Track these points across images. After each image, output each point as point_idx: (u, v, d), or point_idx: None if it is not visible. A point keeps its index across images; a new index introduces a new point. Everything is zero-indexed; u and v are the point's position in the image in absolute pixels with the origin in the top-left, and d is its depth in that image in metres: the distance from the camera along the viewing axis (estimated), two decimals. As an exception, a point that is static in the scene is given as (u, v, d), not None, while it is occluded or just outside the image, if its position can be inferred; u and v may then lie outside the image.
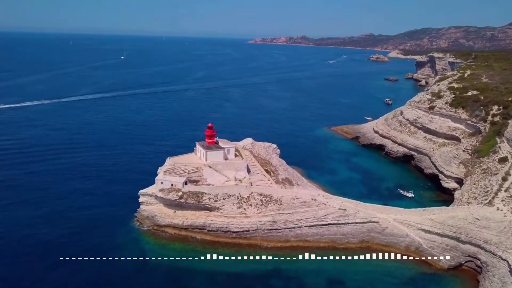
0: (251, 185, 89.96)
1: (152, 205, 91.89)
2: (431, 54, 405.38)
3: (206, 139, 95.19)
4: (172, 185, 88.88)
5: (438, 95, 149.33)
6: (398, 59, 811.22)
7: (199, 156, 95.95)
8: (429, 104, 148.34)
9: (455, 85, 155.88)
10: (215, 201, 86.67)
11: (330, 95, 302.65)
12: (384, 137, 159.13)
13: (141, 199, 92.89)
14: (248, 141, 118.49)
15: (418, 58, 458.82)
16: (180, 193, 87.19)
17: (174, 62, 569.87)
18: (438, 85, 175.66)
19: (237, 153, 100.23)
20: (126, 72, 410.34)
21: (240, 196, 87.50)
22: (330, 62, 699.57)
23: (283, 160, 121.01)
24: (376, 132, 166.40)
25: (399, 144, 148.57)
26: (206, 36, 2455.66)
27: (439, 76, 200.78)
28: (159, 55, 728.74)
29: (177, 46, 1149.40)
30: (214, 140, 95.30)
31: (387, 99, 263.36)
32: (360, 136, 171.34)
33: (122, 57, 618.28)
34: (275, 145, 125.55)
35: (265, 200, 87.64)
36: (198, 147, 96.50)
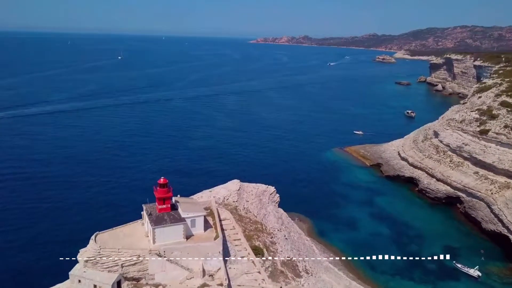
0: (230, 287, 53.35)
1: (67, 314, 55.50)
2: (448, 55, 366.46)
3: (156, 203, 58.50)
4: (95, 286, 52.43)
5: (490, 114, 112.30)
6: (405, 60, 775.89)
7: (146, 230, 59.32)
8: (478, 126, 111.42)
9: (509, 100, 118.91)
10: (165, 320, 50.14)
11: (338, 104, 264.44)
12: (415, 167, 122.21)
13: (49, 303, 56.50)
14: (233, 186, 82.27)
15: (433, 59, 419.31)
16: (106, 304, 50.70)
17: (170, 63, 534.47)
18: (480, 97, 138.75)
19: (210, 218, 63.66)
20: (116, 75, 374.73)
21: (209, 310, 50.96)
22: (331, 64, 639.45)
23: (283, 211, 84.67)
24: (403, 159, 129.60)
25: (439, 180, 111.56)
26: (207, 36, 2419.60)
27: (478, 85, 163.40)
28: (157, 56, 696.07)
29: (176, 46, 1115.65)
30: (169, 205, 58.45)
31: (409, 111, 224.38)
32: (383, 163, 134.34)
33: (120, 57, 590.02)
34: (272, 189, 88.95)
35: (251, 317, 51.07)
36: (144, 215, 59.82)
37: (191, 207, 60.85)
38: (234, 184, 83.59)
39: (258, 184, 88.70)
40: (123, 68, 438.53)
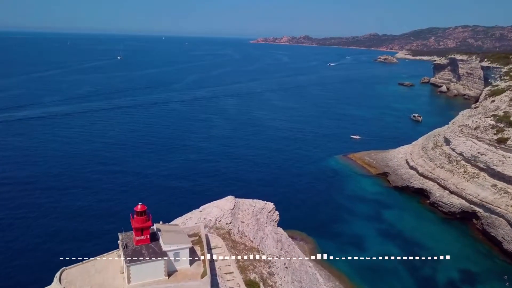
0: (218, 336, 44.76)
1: None
2: (452, 55, 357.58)
3: (134, 234, 49.83)
4: (58, 335, 43.78)
5: (508, 121, 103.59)
6: (407, 60, 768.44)
7: (122, 264, 50.64)
8: (495, 134, 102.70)
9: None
10: None
11: (339, 106, 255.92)
12: (426, 177, 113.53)
13: None
14: (227, 205, 73.27)
15: (437, 60, 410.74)
16: None
17: (170, 63, 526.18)
18: (493, 101, 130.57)
19: (198, 247, 54.99)
20: (114, 75, 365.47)
21: None
22: (332, 64, 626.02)
23: (283, 232, 76.08)
24: (412, 168, 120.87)
25: (452, 192, 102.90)
26: (207, 36, 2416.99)
27: (489, 88, 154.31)
28: (156, 56, 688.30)
29: (175, 46, 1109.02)
30: (148, 235, 49.74)
31: (415, 115, 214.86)
32: (390, 172, 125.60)
33: (119, 57, 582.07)
34: (271, 205, 79.84)
35: None
36: (120, 247, 51.14)
37: (174, 237, 51.92)
38: (228, 201, 74.65)
39: (255, 200, 79.74)
40: (122, 69, 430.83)
